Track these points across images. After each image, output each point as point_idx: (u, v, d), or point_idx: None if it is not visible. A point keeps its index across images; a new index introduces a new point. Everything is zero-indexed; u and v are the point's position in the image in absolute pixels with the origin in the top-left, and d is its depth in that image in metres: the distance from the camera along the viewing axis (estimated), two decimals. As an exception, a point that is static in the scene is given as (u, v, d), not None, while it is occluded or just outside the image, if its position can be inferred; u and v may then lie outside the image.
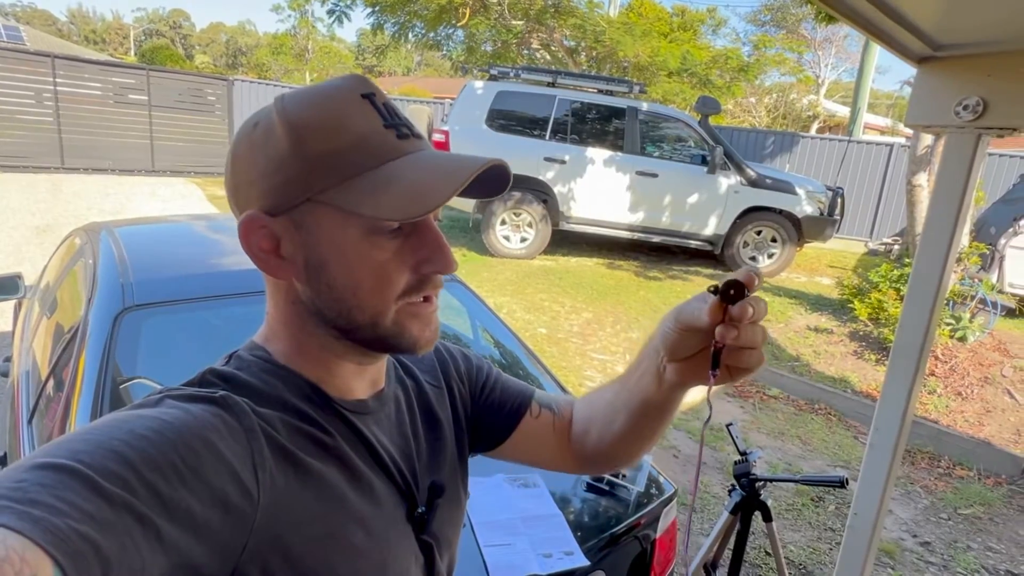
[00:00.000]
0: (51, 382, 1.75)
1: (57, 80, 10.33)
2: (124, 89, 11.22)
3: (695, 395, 4.44)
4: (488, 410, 0.77)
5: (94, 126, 10.79)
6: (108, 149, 10.94)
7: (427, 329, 0.58)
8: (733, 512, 1.73)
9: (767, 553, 2.79)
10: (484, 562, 1.21)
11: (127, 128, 11.15)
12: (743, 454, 1.69)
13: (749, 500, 1.70)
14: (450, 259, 0.56)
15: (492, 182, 0.59)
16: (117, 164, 11.00)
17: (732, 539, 1.82)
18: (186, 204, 9.44)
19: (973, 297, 5.18)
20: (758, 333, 0.53)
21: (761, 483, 1.69)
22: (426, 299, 0.58)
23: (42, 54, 10.69)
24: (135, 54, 39.25)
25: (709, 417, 0.59)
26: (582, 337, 5.35)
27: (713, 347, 0.54)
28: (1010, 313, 5.60)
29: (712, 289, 0.52)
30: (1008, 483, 3.64)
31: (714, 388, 0.56)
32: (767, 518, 1.74)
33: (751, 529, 1.86)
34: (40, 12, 51.95)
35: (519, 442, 0.77)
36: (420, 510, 0.63)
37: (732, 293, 0.51)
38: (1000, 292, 5.65)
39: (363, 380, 0.62)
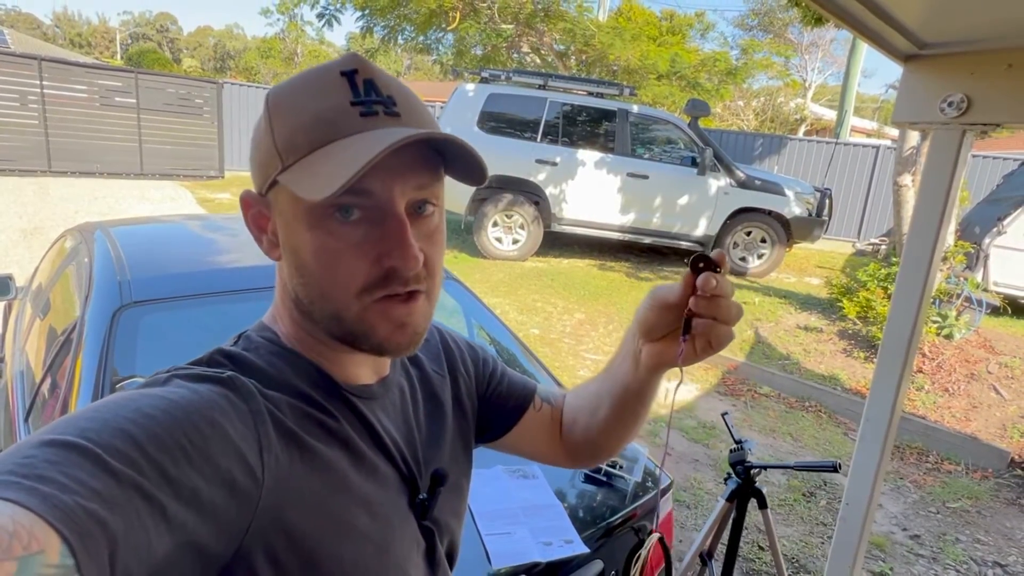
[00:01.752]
0: (47, 381, 1.75)
1: (43, 83, 10.23)
2: (111, 92, 11.12)
3: (686, 394, 4.47)
4: (493, 402, 0.78)
5: (81, 129, 10.68)
6: (96, 152, 10.83)
7: (400, 332, 0.55)
8: (729, 499, 1.76)
9: (760, 547, 2.82)
10: (485, 549, 1.22)
11: (115, 131, 11.05)
12: (738, 443, 1.72)
13: (744, 488, 1.73)
14: (408, 253, 0.51)
15: (464, 165, 0.55)
16: (105, 167, 10.90)
17: (727, 528, 1.84)
18: (176, 207, 9.38)
19: (959, 295, 5.26)
20: (732, 309, 0.55)
21: (756, 471, 1.73)
22: (407, 297, 0.54)
23: (28, 56, 10.58)
24: (121, 57, 38.92)
25: (680, 381, 0.62)
26: (575, 337, 5.38)
27: (685, 315, 0.57)
28: (995, 311, 5.69)
29: (687, 260, 0.57)
30: (995, 477, 3.70)
31: (687, 366, 0.60)
32: (762, 505, 1.77)
33: (743, 524, 1.88)
34: (24, 15, 51.40)
35: (520, 435, 0.79)
36: (422, 496, 0.63)
37: (702, 266, 0.55)
38: (985, 290, 5.75)
39: (366, 366, 0.62)
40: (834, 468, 1.56)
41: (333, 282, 0.53)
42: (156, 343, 1.64)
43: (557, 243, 8.10)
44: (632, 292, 6.66)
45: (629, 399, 0.68)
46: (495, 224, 7.38)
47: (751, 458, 1.71)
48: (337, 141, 0.50)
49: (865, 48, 13.83)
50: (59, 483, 0.36)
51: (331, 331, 0.55)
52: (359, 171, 0.46)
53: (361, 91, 0.52)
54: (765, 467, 1.71)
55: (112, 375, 1.52)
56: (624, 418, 0.71)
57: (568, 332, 5.48)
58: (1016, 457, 3.82)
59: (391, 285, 0.53)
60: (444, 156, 0.55)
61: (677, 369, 0.62)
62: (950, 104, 1.14)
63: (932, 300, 5.07)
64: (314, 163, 0.50)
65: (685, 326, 0.58)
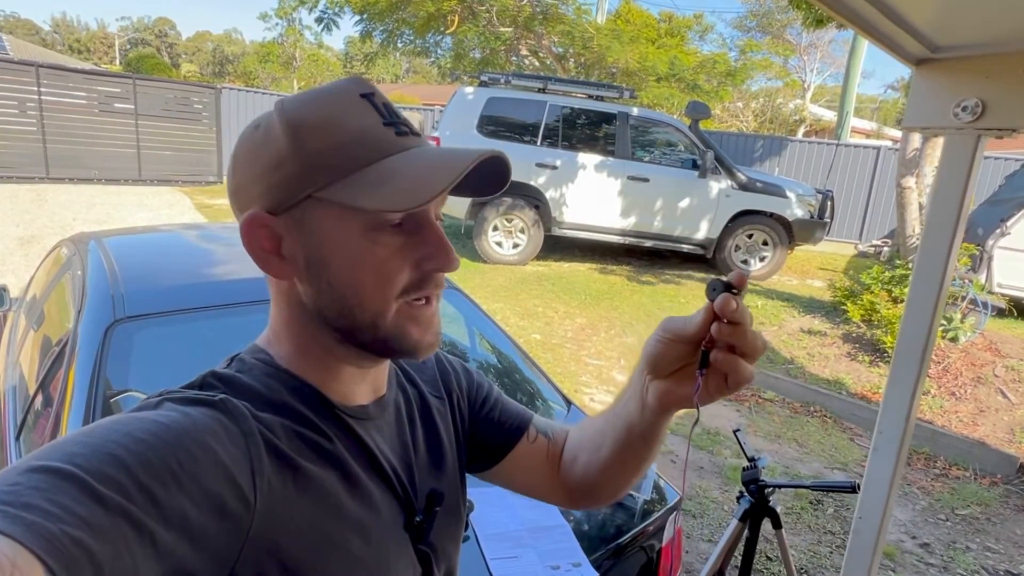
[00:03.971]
0: (39, 397, 1.71)
1: (41, 89, 10.20)
2: (109, 98, 11.10)
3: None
4: (486, 428, 0.76)
5: (79, 135, 10.66)
6: (94, 158, 10.81)
7: (427, 333, 0.57)
8: (742, 519, 1.70)
9: (768, 557, 2.78)
10: (491, 575, 1.18)
11: (113, 137, 11.03)
12: (751, 460, 1.67)
13: (758, 507, 1.68)
14: (452, 256, 0.56)
15: (490, 178, 0.58)
16: (103, 173, 10.88)
17: (740, 547, 1.80)
18: (174, 213, 9.35)
19: (964, 298, 5.22)
20: (758, 340, 0.52)
21: (770, 489, 1.67)
22: (426, 301, 0.57)
23: (26, 63, 10.55)
24: (120, 63, 38.98)
25: (696, 420, 0.57)
26: (576, 343, 5.34)
27: (703, 346, 0.53)
28: (1000, 313, 5.66)
29: (707, 292, 0.54)
30: (1004, 483, 3.65)
31: (701, 406, 0.55)
32: (776, 525, 1.72)
33: (757, 545, 1.82)
34: (23, 22, 51.45)
35: (512, 465, 0.76)
36: (418, 519, 0.62)
37: (716, 292, 0.52)
38: (989, 292, 5.70)
39: (364, 385, 0.61)
40: (853, 489, 1.50)
41: (375, 287, 0.54)
42: (151, 358, 1.60)
43: (558, 247, 8.06)
44: (634, 296, 6.62)
45: (634, 441, 0.64)
46: (495, 228, 7.35)
47: (765, 476, 1.66)
48: (387, 159, 0.53)
49: (865, 49, 13.82)
50: (45, 511, 0.35)
51: (363, 340, 0.56)
52: (453, 181, 0.50)
53: (384, 112, 0.55)
54: (780, 486, 1.66)
55: (105, 391, 1.48)
56: (626, 461, 0.67)
57: (570, 337, 5.44)
58: (1025, 462, 3.77)
59: (427, 287, 0.56)
60: None
61: (693, 406, 0.56)
62: (964, 108, 1.11)
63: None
64: (378, 178, 0.51)
65: (702, 359, 0.53)
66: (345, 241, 0.53)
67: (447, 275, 0.61)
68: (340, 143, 0.52)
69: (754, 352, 0.53)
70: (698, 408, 0.55)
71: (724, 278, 0.53)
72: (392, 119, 0.55)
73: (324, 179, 0.52)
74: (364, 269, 0.53)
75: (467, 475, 0.74)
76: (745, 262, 7.37)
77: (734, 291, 0.51)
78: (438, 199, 0.54)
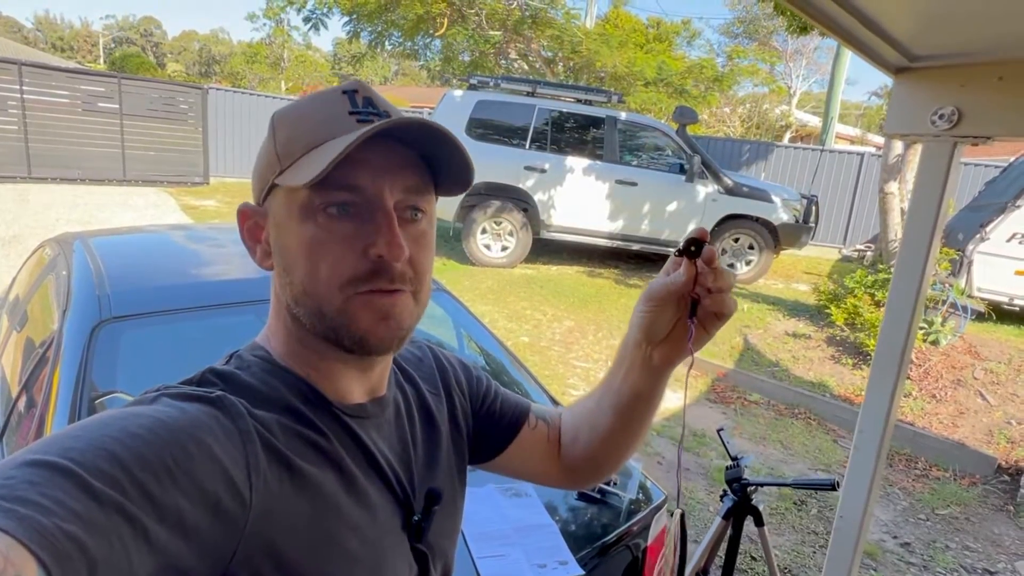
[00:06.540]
0: (23, 398, 1.69)
1: (24, 88, 10.05)
2: (93, 97, 10.94)
3: (674, 402, 4.47)
4: (487, 421, 0.77)
5: (63, 135, 10.49)
6: (77, 158, 10.65)
7: (382, 324, 0.54)
8: (725, 517, 1.73)
9: (752, 558, 2.81)
10: (478, 574, 1.19)
11: (97, 137, 10.88)
12: (734, 459, 1.70)
13: (741, 505, 1.71)
14: (394, 241, 0.52)
15: (450, 168, 0.57)
16: (87, 173, 10.73)
17: (723, 546, 1.82)
18: (159, 214, 9.25)
19: (944, 302, 5.31)
20: (729, 277, 0.60)
21: (753, 487, 1.70)
22: (388, 291, 0.54)
23: (8, 61, 10.38)
24: (104, 62, 38.53)
25: (691, 363, 0.64)
26: (564, 345, 5.36)
27: (692, 297, 0.61)
28: (979, 317, 5.75)
29: (677, 252, 0.61)
30: (983, 483, 3.72)
31: (701, 348, 0.63)
32: (759, 523, 1.75)
33: (740, 542, 1.85)
34: (4, 19, 50.69)
35: (515, 454, 0.77)
36: (416, 518, 0.62)
37: (694, 249, 0.60)
38: (969, 296, 5.81)
39: (361, 384, 0.61)
40: (832, 486, 1.54)
41: (318, 274, 0.53)
42: (137, 359, 1.59)
43: (546, 250, 8.08)
44: (621, 299, 6.66)
45: (639, 406, 0.68)
46: (484, 231, 7.36)
47: (748, 475, 1.69)
48: (329, 141, 0.52)
49: (849, 56, 14.01)
50: (39, 505, 0.35)
51: (316, 330, 0.55)
52: (342, 152, 0.48)
53: (360, 104, 0.55)
54: (762, 484, 1.69)
55: (91, 392, 1.47)
56: (629, 427, 0.71)
57: (558, 340, 5.46)
58: (1003, 463, 3.84)
59: (377, 280, 0.54)
60: (434, 170, 0.57)
61: (688, 357, 0.64)
62: (941, 116, 1.14)
63: (918, 306, 5.07)
64: (307, 159, 0.52)
65: (692, 308, 0.61)
66: (289, 225, 0.54)
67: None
68: (297, 132, 0.54)
69: (729, 286, 0.61)
70: (692, 354, 0.63)
71: (694, 236, 0.59)
72: (362, 109, 0.54)
73: (281, 166, 0.54)
74: (303, 252, 0.53)
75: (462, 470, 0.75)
76: (732, 266, 7.44)
77: (703, 244, 0.60)
78: (389, 183, 0.53)
